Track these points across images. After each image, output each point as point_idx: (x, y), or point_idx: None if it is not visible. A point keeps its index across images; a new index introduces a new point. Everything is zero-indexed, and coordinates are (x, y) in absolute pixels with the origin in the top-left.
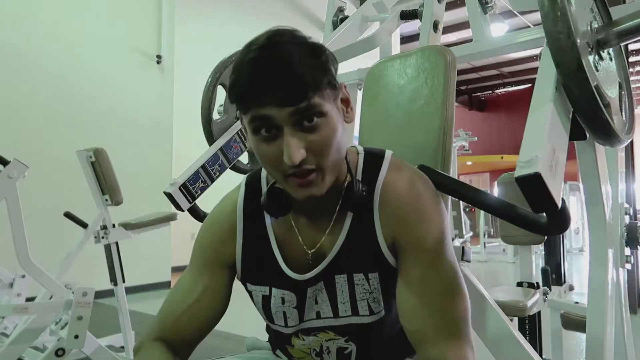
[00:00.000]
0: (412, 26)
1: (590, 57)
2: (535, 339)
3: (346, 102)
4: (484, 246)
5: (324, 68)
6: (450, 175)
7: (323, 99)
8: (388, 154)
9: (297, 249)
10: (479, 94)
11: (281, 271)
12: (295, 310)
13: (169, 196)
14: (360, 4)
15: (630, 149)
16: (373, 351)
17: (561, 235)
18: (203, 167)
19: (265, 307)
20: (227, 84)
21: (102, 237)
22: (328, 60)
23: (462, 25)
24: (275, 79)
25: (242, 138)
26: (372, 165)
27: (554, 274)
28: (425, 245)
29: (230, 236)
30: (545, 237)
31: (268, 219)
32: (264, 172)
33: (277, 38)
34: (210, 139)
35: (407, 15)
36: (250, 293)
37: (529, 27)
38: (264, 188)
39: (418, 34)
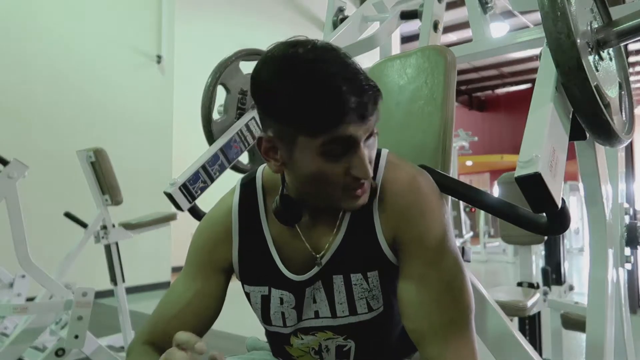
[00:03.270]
0: (412, 26)
1: (590, 57)
2: (535, 339)
3: None
4: (484, 246)
5: None
6: (450, 175)
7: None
8: (384, 152)
9: (300, 251)
10: (479, 94)
11: (279, 272)
12: (294, 311)
13: (169, 196)
14: (360, 4)
15: (630, 149)
16: (372, 348)
17: (561, 235)
18: (203, 167)
19: (264, 308)
20: (227, 84)
21: (102, 237)
22: None
23: (462, 25)
24: (356, 97)
25: (242, 138)
26: None
27: (554, 274)
28: (427, 242)
29: (226, 239)
30: (545, 237)
31: (264, 221)
32: (258, 174)
33: (323, 53)
34: (210, 139)
35: (407, 15)
36: (248, 295)
37: (529, 27)
38: (259, 190)
39: (418, 34)
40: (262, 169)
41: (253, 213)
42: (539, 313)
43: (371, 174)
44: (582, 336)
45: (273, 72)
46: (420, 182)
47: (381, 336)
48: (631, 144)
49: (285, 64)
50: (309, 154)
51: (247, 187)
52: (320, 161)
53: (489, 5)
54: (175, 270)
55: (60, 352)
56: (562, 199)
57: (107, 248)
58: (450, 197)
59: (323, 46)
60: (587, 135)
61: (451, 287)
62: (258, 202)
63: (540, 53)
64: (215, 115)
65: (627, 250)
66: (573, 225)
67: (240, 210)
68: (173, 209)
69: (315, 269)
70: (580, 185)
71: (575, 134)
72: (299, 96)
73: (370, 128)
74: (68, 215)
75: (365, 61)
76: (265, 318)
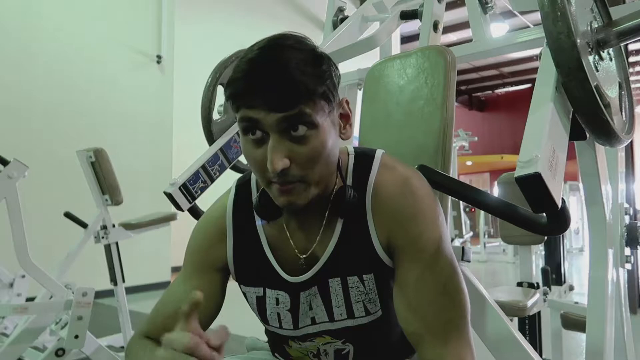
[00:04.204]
0: (412, 26)
1: (590, 57)
2: (535, 339)
3: (346, 118)
4: (484, 246)
5: (321, 78)
6: (450, 175)
7: (315, 110)
8: (378, 153)
9: (290, 252)
10: (479, 94)
11: (275, 272)
12: (289, 314)
13: (169, 196)
14: (360, 4)
15: (630, 149)
16: (371, 351)
17: (561, 235)
18: (203, 167)
19: (260, 309)
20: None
21: (102, 237)
22: (329, 71)
23: (462, 25)
24: (268, 83)
25: None
26: (362, 166)
27: (554, 274)
28: (421, 245)
29: (220, 239)
30: (545, 237)
31: (259, 221)
32: (254, 175)
33: (280, 41)
34: (210, 139)
35: (407, 15)
36: (244, 294)
37: (529, 27)
38: (254, 190)
39: (418, 34)
40: None
41: (248, 213)
42: (539, 313)
43: (277, 168)
44: (582, 336)
45: None
46: (414, 184)
47: (379, 339)
48: (631, 144)
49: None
50: (240, 131)
51: (243, 187)
52: (244, 140)
53: (489, 5)
54: (175, 270)
55: (60, 352)
56: (562, 199)
57: (107, 248)
58: (450, 197)
59: (285, 36)
60: (587, 135)
61: (447, 288)
62: (253, 203)
63: (540, 53)
64: (215, 115)
65: (627, 250)
66: (573, 225)
67: (235, 211)
68: (173, 209)
69: (310, 273)
70: (580, 185)
71: (575, 134)
72: (231, 74)
73: (283, 122)
74: (68, 215)
75: (366, 61)
76: (262, 317)
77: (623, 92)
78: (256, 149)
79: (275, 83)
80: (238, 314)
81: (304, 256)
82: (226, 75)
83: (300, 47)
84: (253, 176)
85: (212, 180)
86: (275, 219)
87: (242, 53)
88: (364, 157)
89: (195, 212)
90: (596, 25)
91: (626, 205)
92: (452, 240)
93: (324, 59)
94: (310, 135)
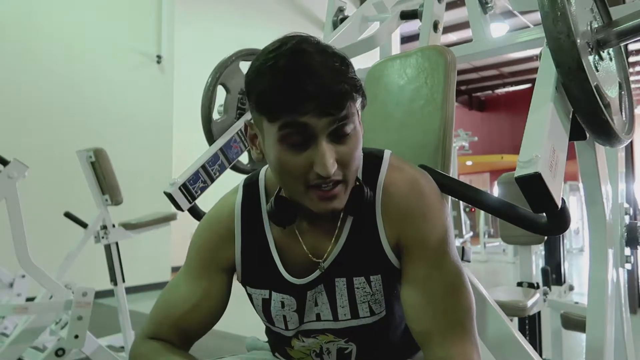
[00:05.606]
0: (412, 26)
1: (590, 57)
2: (535, 339)
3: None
4: (484, 246)
5: (354, 78)
6: (450, 175)
7: (356, 110)
8: (387, 154)
9: (300, 254)
10: (479, 94)
11: (280, 276)
12: (295, 314)
13: (169, 196)
14: (360, 4)
15: (630, 149)
16: (373, 350)
17: (561, 235)
18: (203, 167)
19: (265, 311)
20: (227, 84)
21: (102, 237)
22: (354, 71)
23: (462, 25)
24: (317, 87)
25: (242, 138)
26: (371, 167)
27: (554, 274)
28: (430, 244)
29: (229, 240)
30: (545, 237)
31: (267, 223)
32: (261, 175)
33: (304, 45)
34: (210, 139)
35: (407, 15)
36: (250, 296)
37: (529, 27)
38: (262, 192)
39: (418, 34)
40: (264, 171)
41: (255, 215)
42: (539, 313)
43: (331, 171)
44: (582, 336)
45: (252, 63)
46: (422, 184)
47: (383, 339)
48: (631, 144)
49: (260, 54)
50: (271, 140)
51: (250, 188)
52: (280, 149)
53: (489, 5)
54: (175, 270)
55: (60, 352)
56: (562, 199)
57: (107, 248)
58: (450, 197)
59: (305, 39)
60: (587, 135)
61: (454, 288)
62: (261, 204)
63: (540, 53)
64: (215, 115)
65: (627, 250)
66: (573, 225)
67: (243, 212)
68: (173, 209)
69: (317, 273)
70: (580, 185)
71: (575, 134)
72: (261, 82)
73: (333, 124)
74: (68, 215)
75: (365, 61)
76: (267, 319)
77: (623, 92)
78: (296, 156)
79: (325, 87)
80: (238, 314)
81: (320, 260)
82: (226, 76)
83: (326, 50)
84: (261, 178)
85: (212, 180)
86: (290, 224)
87: (259, 60)
88: (372, 158)
89: (195, 212)
90: (596, 25)
91: (626, 205)
92: None
93: (348, 59)
94: (352, 134)
